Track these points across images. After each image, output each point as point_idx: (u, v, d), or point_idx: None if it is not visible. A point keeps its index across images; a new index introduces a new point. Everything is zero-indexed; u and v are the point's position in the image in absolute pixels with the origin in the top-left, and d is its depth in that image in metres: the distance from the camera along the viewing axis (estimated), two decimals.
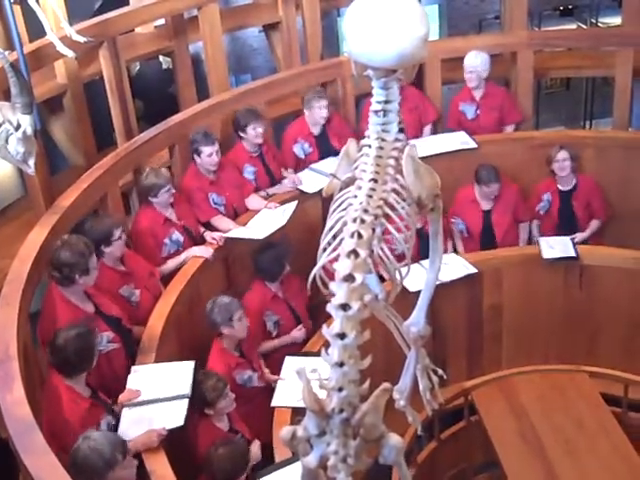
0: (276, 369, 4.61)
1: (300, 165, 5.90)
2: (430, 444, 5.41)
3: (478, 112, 6.28)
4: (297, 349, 4.90)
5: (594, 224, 5.95)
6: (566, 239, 5.62)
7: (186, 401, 3.76)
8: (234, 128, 5.58)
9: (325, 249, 2.67)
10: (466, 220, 5.84)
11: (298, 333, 5.00)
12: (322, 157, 5.80)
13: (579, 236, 5.81)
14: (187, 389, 3.82)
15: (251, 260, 5.04)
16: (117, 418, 3.67)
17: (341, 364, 2.32)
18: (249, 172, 5.59)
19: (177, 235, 4.99)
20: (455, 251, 5.80)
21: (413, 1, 2.63)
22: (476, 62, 6.11)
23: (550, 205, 5.91)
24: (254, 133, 5.47)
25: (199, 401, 3.93)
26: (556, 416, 5.20)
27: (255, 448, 4.03)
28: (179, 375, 3.94)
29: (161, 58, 6.84)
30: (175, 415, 3.68)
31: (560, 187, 5.89)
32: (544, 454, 4.96)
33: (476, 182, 5.77)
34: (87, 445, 3.09)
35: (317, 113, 5.78)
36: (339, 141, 5.61)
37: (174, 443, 3.77)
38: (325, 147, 5.80)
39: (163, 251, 4.93)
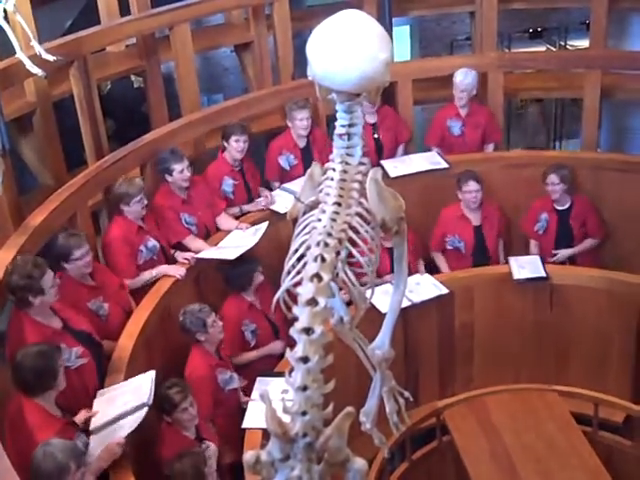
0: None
1: (285, 177, 5.93)
2: (402, 465, 5.39)
3: (464, 129, 6.34)
4: (276, 361, 4.90)
5: (587, 242, 6.00)
6: (535, 258, 5.68)
7: (145, 410, 3.74)
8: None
9: (289, 272, 2.67)
10: (460, 236, 5.85)
11: (277, 345, 5.01)
12: (307, 169, 5.75)
13: (562, 252, 5.86)
14: (146, 397, 3.81)
15: (222, 279, 5.04)
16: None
17: (304, 388, 2.31)
18: (228, 184, 5.61)
19: (153, 242, 4.98)
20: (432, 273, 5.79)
21: (375, 25, 2.65)
22: (468, 80, 6.17)
23: (548, 225, 5.94)
24: (235, 145, 5.51)
25: (158, 407, 3.96)
26: (527, 435, 5.21)
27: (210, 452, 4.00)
28: (140, 386, 3.93)
29: (132, 77, 6.82)
30: (131, 424, 3.67)
31: (557, 206, 5.93)
32: (515, 473, 4.96)
33: (458, 189, 5.80)
34: (43, 450, 3.10)
35: (298, 125, 5.81)
36: (320, 156, 5.62)
37: (141, 457, 3.75)
38: (309, 160, 5.76)
39: (139, 258, 4.92)
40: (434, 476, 5.50)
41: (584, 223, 5.96)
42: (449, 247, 5.90)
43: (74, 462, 3.13)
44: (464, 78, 6.16)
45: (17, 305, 3.89)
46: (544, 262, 5.61)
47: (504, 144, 7.16)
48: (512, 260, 5.67)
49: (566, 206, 5.93)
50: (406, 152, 6.45)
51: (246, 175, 5.70)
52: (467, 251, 5.87)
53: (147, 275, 4.91)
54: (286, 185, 5.80)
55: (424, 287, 5.40)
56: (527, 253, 6.00)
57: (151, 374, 4.01)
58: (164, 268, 4.97)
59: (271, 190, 5.84)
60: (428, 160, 6.22)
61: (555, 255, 5.86)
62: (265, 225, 5.30)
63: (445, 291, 5.38)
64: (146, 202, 4.95)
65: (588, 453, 5.05)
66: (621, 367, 5.46)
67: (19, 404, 3.52)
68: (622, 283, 5.35)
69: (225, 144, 5.58)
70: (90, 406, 3.84)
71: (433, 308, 5.40)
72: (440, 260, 5.98)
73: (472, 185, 5.74)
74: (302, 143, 5.93)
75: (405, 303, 5.03)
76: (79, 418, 3.75)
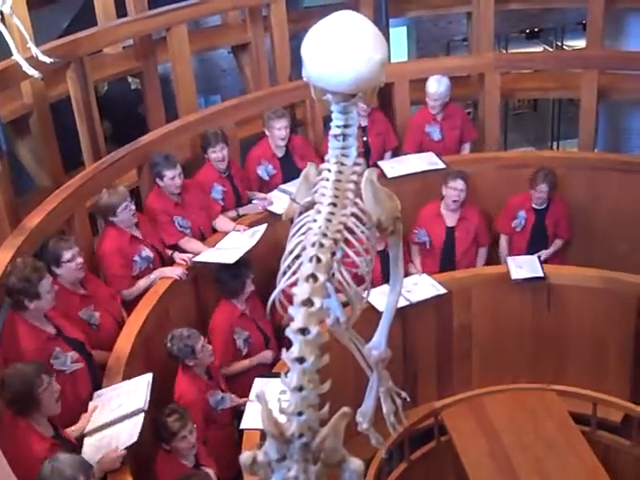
0: (246, 392, 4.57)
1: (264, 187, 5.88)
2: (400, 465, 5.39)
3: (443, 133, 6.35)
4: (267, 370, 4.88)
5: (558, 243, 6.06)
6: (533, 258, 5.69)
7: (142, 415, 3.72)
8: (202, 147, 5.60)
9: (285, 273, 2.67)
10: (430, 233, 5.88)
11: (267, 354, 4.99)
12: (286, 178, 5.76)
13: (544, 253, 5.90)
14: (142, 403, 3.78)
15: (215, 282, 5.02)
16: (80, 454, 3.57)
17: (300, 388, 2.30)
18: (217, 191, 5.57)
19: (147, 252, 4.95)
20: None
21: (370, 26, 2.65)
22: (441, 90, 6.16)
23: (525, 222, 5.97)
24: (214, 156, 5.47)
25: (156, 435, 3.89)
26: (525, 435, 5.21)
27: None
28: (136, 390, 3.91)
29: (130, 79, 6.83)
30: (131, 432, 3.64)
31: (535, 206, 5.96)
32: (514, 473, 4.97)
33: (444, 184, 5.80)
34: (50, 466, 3.05)
35: (276, 134, 5.72)
36: (303, 162, 5.62)
37: (140, 467, 3.73)
38: (289, 168, 5.76)
39: (134, 269, 4.88)
40: (432, 476, 5.50)
41: (557, 223, 6.00)
42: (416, 240, 5.93)
43: (83, 474, 3.10)
44: (438, 87, 6.15)
45: (13, 308, 3.88)
46: (541, 262, 5.62)
47: (501, 145, 7.15)
48: (510, 260, 5.68)
49: (543, 206, 5.96)
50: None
51: (234, 180, 5.66)
52: (435, 249, 5.89)
53: (144, 282, 4.87)
54: (283, 186, 5.78)
55: (422, 287, 5.40)
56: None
57: (147, 377, 4.00)
58: (162, 270, 4.95)
59: (249, 201, 5.74)
60: (425, 161, 6.21)
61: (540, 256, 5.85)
62: (263, 227, 5.27)
63: (443, 291, 5.38)
64: (134, 207, 4.89)
65: (586, 453, 5.05)
66: (619, 366, 5.46)
67: (9, 423, 3.47)
68: (620, 282, 5.35)
69: (206, 156, 5.52)
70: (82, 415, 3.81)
71: (431, 308, 5.40)
72: (414, 253, 6.00)
73: (459, 183, 5.75)
74: (280, 153, 5.85)
75: (403, 303, 5.06)
76: (78, 427, 3.73)
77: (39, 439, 3.42)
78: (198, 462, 4.03)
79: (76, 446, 3.61)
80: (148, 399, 3.83)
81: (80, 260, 4.38)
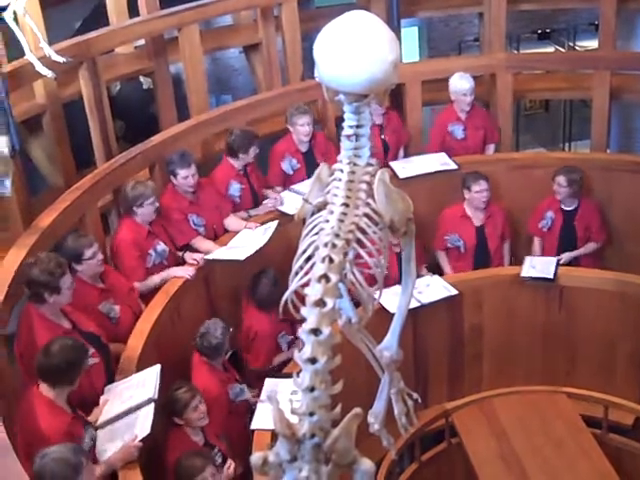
0: None
1: (288, 181, 5.90)
2: (411, 466, 5.39)
3: (466, 132, 6.33)
4: None
5: (590, 246, 5.97)
6: (552, 260, 5.63)
7: (152, 405, 3.76)
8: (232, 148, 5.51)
9: (297, 273, 2.66)
10: (461, 236, 5.85)
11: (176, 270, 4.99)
12: (310, 173, 5.71)
13: (566, 256, 5.83)
14: (152, 392, 3.82)
15: (233, 280, 5.06)
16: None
17: (312, 389, 2.31)
18: (235, 189, 5.56)
19: (162, 246, 4.97)
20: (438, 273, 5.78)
21: (383, 26, 2.64)
22: (468, 85, 6.14)
23: (553, 223, 5.93)
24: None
25: (168, 410, 3.96)
26: (536, 437, 5.20)
27: (230, 470, 4.00)
28: (145, 381, 3.95)
29: (142, 78, 6.84)
30: (143, 423, 3.67)
31: (563, 207, 5.91)
32: (524, 475, 4.97)
33: (465, 189, 5.78)
34: (50, 458, 3.05)
35: (300, 131, 5.74)
36: (324, 159, 5.59)
37: (150, 458, 3.75)
38: (312, 164, 5.72)
39: (148, 262, 4.90)
40: (443, 478, 5.50)
41: (588, 226, 5.94)
42: (449, 245, 5.91)
43: (85, 459, 3.13)
44: (466, 83, 6.14)
45: (32, 300, 3.90)
46: (559, 264, 5.57)
47: (513, 145, 7.12)
48: (527, 259, 5.67)
49: (572, 207, 5.91)
50: (406, 154, 6.45)
51: (250, 178, 5.66)
52: (467, 251, 5.87)
53: (156, 278, 4.89)
54: (294, 186, 5.78)
55: (433, 288, 5.39)
56: (531, 252, 6.00)
57: (156, 369, 4.04)
58: (173, 270, 4.96)
59: (264, 199, 5.72)
60: (437, 161, 6.20)
61: (560, 259, 5.81)
62: (275, 224, 5.26)
63: (454, 292, 5.36)
64: (157, 205, 4.94)
65: (598, 456, 5.04)
66: (631, 369, 5.43)
67: (30, 399, 3.53)
68: (632, 285, 5.32)
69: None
70: (96, 406, 3.86)
71: (442, 309, 5.39)
72: (442, 259, 5.98)
73: (483, 184, 5.74)
74: (304, 148, 5.88)
75: (414, 304, 5.04)
76: (90, 419, 3.75)
77: (61, 412, 3.50)
78: (208, 441, 4.11)
79: (92, 424, 3.68)
80: (158, 389, 3.87)
81: (101, 256, 4.45)
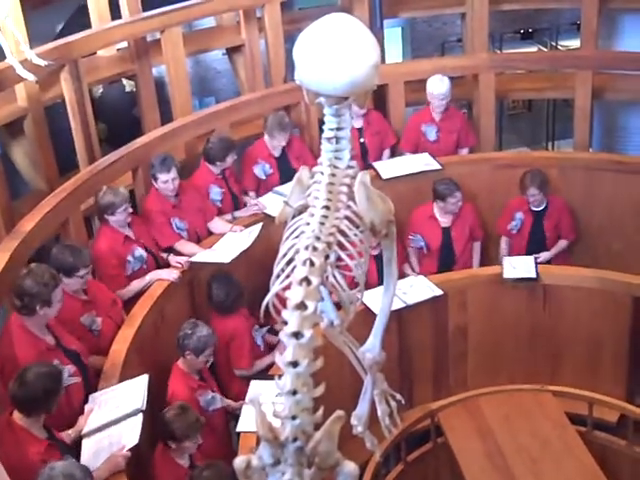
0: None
1: (261, 186, 5.88)
2: (397, 467, 5.39)
3: (439, 134, 6.33)
4: None
5: (562, 244, 6.02)
6: (530, 259, 5.66)
7: (140, 416, 3.72)
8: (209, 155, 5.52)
9: (278, 276, 2.66)
10: (425, 236, 5.87)
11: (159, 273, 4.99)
12: (283, 178, 5.74)
13: (543, 255, 5.86)
14: (140, 403, 3.78)
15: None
16: (76, 456, 3.55)
17: (294, 392, 2.31)
18: (216, 193, 5.56)
19: (140, 251, 4.94)
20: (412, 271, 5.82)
21: (363, 29, 2.64)
22: (444, 88, 6.13)
23: (522, 224, 5.95)
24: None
25: (166, 432, 3.87)
26: (522, 436, 5.22)
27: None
28: (133, 391, 3.91)
29: (124, 81, 6.82)
30: (130, 433, 3.64)
31: (533, 208, 5.92)
32: (510, 474, 4.98)
33: (438, 199, 5.77)
34: (59, 472, 2.99)
35: (277, 142, 5.78)
36: (299, 163, 5.61)
37: (138, 468, 3.73)
38: (285, 169, 5.76)
39: (127, 269, 4.88)
40: (429, 478, 5.50)
41: (557, 224, 5.97)
42: (412, 245, 5.92)
43: (89, 476, 3.10)
44: (442, 87, 6.13)
45: (20, 311, 3.82)
46: (537, 263, 5.61)
47: (496, 145, 7.15)
48: (506, 259, 5.69)
49: (542, 207, 5.94)
50: (393, 156, 6.44)
51: (229, 182, 5.66)
52: (432, 252, 5.88)
53: (138, 283, 4.86)
54: (278, 188, 5.78)
55: (418, 289, 5.39)
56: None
57: (144, 379, 4.00)
58: (157, 273, 4.95)
59: (245, 205, 5.72)
60: (421, 161, 6.21)
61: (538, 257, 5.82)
62: (259, 227, 5.28)
63: (439, 292, 5.37)
64: (131, 211, 4.90)
65: (583, 453, 5.06)
66: (615, 366, 5.47)
67: (3, 428, 3.44)
68: (615, 282, 5.35)
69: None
70: (74, 425, 3.78)
71: (427, 310, 5.39)
72: (411, 255, 5.99)
73: (458, 195, 5.73)
74: (277, 152, 5.88)
75: (399, 305, 5.06)
76: (75, 429, 3.72)
77: (35, 441, 3.40)
78: (192, 463, 4.03)
79: (71, 448, 3.60)
80: (146, 399, 3.83)
81: (90, 276, 4.39)
